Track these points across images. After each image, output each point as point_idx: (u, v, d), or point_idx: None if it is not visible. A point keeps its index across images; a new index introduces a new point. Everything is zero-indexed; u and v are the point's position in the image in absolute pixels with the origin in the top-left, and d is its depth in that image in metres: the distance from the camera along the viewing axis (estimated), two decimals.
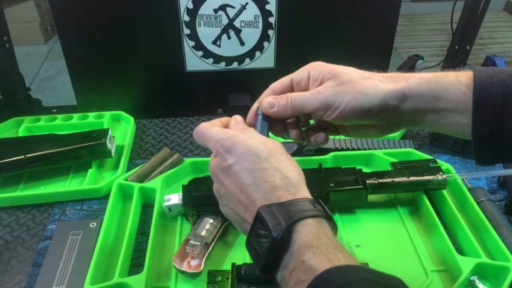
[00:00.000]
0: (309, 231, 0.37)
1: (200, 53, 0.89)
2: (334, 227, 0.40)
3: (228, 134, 0.44)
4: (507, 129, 0.41)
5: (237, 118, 0.49)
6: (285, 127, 0.53)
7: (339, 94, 0.45)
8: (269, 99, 0.48)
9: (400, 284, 0.34)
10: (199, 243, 0.60)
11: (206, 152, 0.84)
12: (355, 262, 0.36)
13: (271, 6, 0.85)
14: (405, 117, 0.46)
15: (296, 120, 0.53)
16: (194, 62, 0.90)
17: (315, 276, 0.34)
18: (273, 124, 0.51)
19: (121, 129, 0.91)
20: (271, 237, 0.37)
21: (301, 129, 0.53)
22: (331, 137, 0.82)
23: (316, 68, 0.48)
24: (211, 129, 0.45)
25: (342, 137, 0.81)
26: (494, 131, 0.41)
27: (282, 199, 0.39)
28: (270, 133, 0.51)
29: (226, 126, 0.48)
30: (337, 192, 0.65)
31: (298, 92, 0.48)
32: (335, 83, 0.46)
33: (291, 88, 0.50)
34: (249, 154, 0.42)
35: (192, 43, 0.88)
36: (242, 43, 0.89)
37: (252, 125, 0.51)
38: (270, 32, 0.88)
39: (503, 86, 0.41)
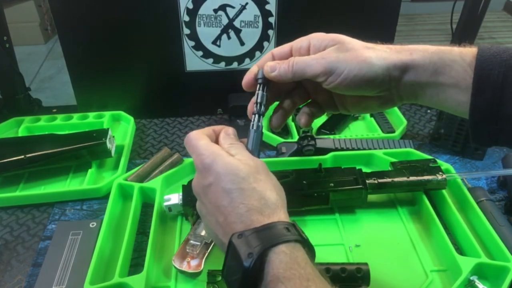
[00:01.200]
0: (281, 260, 0.36)
1: (200, 53, 0.89)
2: (310, 251, 0.40)
3: (210, 150, 0.43)
4: (505, 110, 0.40)
5: (228, 131, 0.48)
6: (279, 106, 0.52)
7: (343, 61, 0.44)
8: (271, 63, 0.47)
9: None
10: (199, 243, 0.60)
11: None
12: None
13: (271, 6, 0.85)
14: (407, 89, 0.45)
15: (291, 104, 0.53)
16: (194, 62, 0.90)
17: None
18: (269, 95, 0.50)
19: (121, 129, 0.91)
20: (243, 268, 0.36)
21: (285, 114, 0.52)
22: (331, 137, 0.82)
23: (318, 37, 0.47)
24: (198, 141, 0.44)
25: (342, 136, 0.82)
26: (493, 111, 0.40)
27: (254, 223, 0.38)
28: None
29: (218, 135, 0.48)
30: (337, 192, 0.65)
31: (300, 56, 0.47)
32: (338, 49, 0.45)
33: (290, 55, 0.49)
34: (227, 173, 0.41)
35: (192, 43, 0.88)
36: (242, 43, 0.89)
37: (250, 85, 0.50)
38: (270, 32, 0.88)
39: (505, 66, 0.40)
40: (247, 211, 0.39)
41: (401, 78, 0.44)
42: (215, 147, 0.43)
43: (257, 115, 0.49)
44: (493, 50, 0.41)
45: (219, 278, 0.56)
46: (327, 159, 0.76)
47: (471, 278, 0.56)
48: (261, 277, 0.36)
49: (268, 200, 0.40)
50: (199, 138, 0.45)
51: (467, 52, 0.42)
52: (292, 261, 0.36)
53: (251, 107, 0.50)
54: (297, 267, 0.36)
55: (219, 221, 0.41)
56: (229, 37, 0.88)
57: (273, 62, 0.48)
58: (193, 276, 0.58)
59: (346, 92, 0.47)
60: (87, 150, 0.75)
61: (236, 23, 0.86)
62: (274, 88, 0.50)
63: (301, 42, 0.48)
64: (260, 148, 0.49)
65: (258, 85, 0.49)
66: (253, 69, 0.50)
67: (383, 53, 0.45)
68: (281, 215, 0.40)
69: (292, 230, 0.39)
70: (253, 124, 0.49)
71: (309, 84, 0.52)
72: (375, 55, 0.44)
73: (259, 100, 0.48)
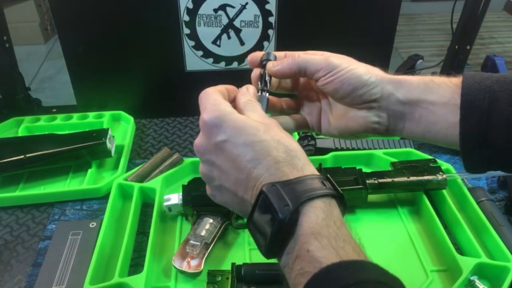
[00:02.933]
0: (317, 215, 0.35)
1: (200, 52, 0.89)
2: (343, 207, 0.39)
3: (220, 106, 0.40)
4: (494, 135, 0.41)
5: (249, 88, 0.46)
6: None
7: (345, 63, 0.45)
8: (273, 62, 0.48)
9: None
10: (199, 243, 0.60)
11: None
12: (364, 256, 0.35)
13: (271, 6, 0.85)
14: (396, 109, 0.46)
15: (279, 107, 0.52)
16: (194, 62, 0.90)
17: (318, 270, 0.32)
18: None
19: (121, 129, 0.91)
20: (277, 219, 0.34)
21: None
22: (331, 137, 0.82)
23: (330, 53, 0.48)
24: (209, 95, 0.42)
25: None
26: (482, 137, 0.41)
27: (288, 176, 0.37)
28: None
29: (231, 96, 0.45)
30: None
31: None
32: (345, 59, 0.47)
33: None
34: (245, 127, 0.39)
35: (192, 43, 0.88)
36: (242, 43, 0.89)
37: (254, 63, 0.49)
38: (270, 32, 0.88)
39: (489, 92, 0.41)
40: (276, 163, 0.37)
41: (393, 94, 0.45)
42: (226, 105, 0.41)
43: (264, 92, 0.48)
44: (477, 77, 0.43)
45: (219, 278, 0.56)
46: (327, 159, 0.76)
47: (471, 278, 0.56)
48: (292, 231, 0.35)
49: (297, 152, 0.39)
50: (212, 93, 0.42)
51: (453, 78, 0.45)
52: (329, 218, 0.36)
53: (254, 77, 0.49)
54: (333, 225, 0.35)
55: (239, 178, 0.39)
56: (229, 37, 0.88)
57: (275, 61, 0.48)
58: (193, 276, 0.58)
59: (338, 92, 0.46)
60: (87, 150, 0.75)
61: (236, 23, 0.86)
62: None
63: (315, 52, 0.49)
64: None
65: (263, 66, 0.49)
66: (259, 54, 0.50)
67: (380, 72, 0.47)
68: (312, 169, 0.39)
69: (327, 184, 0.38)
70: (263, 59, 0.49)
71: (302, 90, 0.52)
72: (373, 68, 0.46)
73: (267, 78, 0.48)
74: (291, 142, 0.39)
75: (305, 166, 0.38)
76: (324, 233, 0.34)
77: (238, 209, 0.41)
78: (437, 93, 0.44)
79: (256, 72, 0.49)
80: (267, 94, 0.48)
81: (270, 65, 0.48)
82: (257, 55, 0.49)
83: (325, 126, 0.51)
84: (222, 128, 0.39)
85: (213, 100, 0.41)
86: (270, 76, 0.48)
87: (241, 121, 0.39)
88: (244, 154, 0.38)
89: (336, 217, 0.36)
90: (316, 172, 0.39)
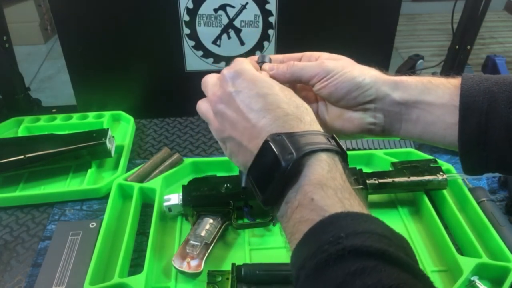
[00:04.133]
0: (322, 167, 0.35)
1: (200, 52, 0.89)
2: (346, 164, 0.38)
3: (240, 65, 0.42)
4: (493, 136, 0.41)
5: (266, 67, 0.47)
6: None
7: (339, 67, 0.46)
8: (269, 65, 0.48)
9: (407, 246, 0.33)
10: (199, 243, 0.60)
11: (206, 152, 0.84)
12: (367, 212, 0.35)
13: (271, 6, 0.85)
14: (392, 110, 0.45)
15: None
16: (194, 62, 0.90)
17: (323, 217, 0.32)
18: None
19: (121, 129, 0.91)
20: (280, 167, 0.34)
21: None
22: None
23: (328, 54, 0.49)
24: (238, 59, 0.44)
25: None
26: (480, 138, 0.41)
27: (294, 129, 0.37)
28: None
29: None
30: None
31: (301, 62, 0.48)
32: (340, 62, 0.47)
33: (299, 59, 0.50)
34: (261, 81, 0.41)
35: (192, 43, 0.88)
36: (242, 43, 0.89)
37: None
38: (270, 32, 0.88)
39: (488, 93, 0.41)
40: (285, 115, 0.38)
41: (389, 95, 0.45)
42: (248, 64, 0.43)
43: None
44: (476, 79, 0.43)
45: (219, 279, 0.56)
46: None
47: (472, 278, 0.56)
48: (294, 181, 0.35)
49: (307, 110, 0.40)
50: (242, 58, 0.45)
51: (452, 79, 0.44)
52: (334, 171, 0.36)
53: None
54: (339, 178, 0.35)
55: (246, 127, 0.39)
56: (229, 37, 0.88)
57: (272, 64, 0.48)
58: (193, 276, 0.58)
59: (333, 96, 0.46)
60: (87, 150, 0.75)
61: (236, 23, 0.86)
62: None
63: (312, 53, 0.50)
64: None
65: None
66: (253, 58, 0.51)
67: (376, 72, 0.46)
68: (319, 127, 0.40)
69: (332, 142, 0.38)
70: (259, 61, 0.49)
71: (301, 91, 0.52)
72: (368, 69, 0.46)
73: None
74: (303, 102, 0.41)
75: (312, 122, 0.39)
76: (330, 184, 0.35)
77: (242, 160, 0.41)
78: (436, 94, 0.44)
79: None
80: None
81: (265, 67, 0.48)
82: (252, 59, 0.50)
83: (321, 126, 0.51)
84: (239, 80, 0.41)
85: (239, 61, 0.44)
86: None
87: (258, 76, 0.41)
88: (255, 104, 0.39)
89: (341, 171, 0.36)
90: (322, 131, 0.39)
